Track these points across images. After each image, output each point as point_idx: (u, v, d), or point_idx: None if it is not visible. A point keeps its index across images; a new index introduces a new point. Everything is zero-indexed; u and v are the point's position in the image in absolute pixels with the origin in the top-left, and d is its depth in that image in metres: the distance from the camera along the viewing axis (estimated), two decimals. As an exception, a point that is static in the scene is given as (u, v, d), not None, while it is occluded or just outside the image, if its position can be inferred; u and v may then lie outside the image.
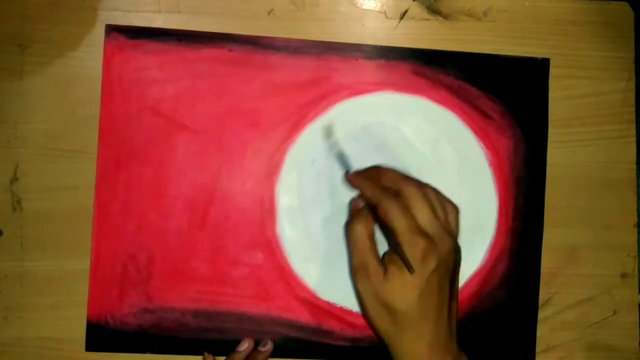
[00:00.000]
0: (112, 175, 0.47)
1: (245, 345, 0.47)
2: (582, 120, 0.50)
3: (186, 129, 0.47)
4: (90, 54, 0.48)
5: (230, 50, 0.48)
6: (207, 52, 0.48)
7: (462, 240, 0.45)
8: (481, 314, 0.49)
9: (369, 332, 0.48)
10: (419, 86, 0.48)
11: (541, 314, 0.49)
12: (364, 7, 0.49)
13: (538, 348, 0.49)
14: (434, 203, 0.43)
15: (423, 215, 0.42)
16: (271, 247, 0.48)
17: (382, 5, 0.49)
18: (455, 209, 0.45)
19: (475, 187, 0.49)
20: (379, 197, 0.43)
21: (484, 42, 0.49)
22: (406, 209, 0.42)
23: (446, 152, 0.49)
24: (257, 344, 0.47)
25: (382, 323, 0.42)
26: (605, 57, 0.50)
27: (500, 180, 0.49)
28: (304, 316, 0.48)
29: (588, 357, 0.50)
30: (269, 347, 0.47)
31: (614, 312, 0.50)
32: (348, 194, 0.48)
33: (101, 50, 0.47)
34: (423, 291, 0.41)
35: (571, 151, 0.49)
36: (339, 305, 0.48)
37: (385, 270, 0.41)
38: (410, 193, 0.43)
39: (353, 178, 0.46)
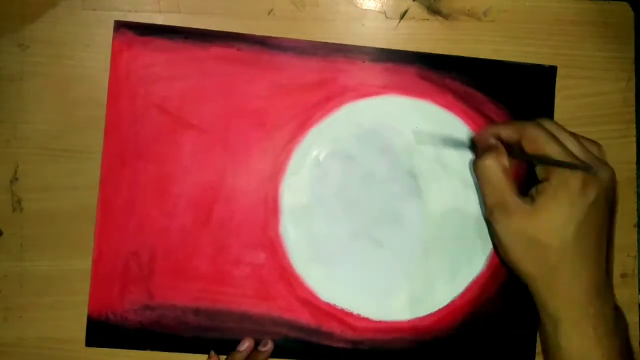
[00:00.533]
0: (116, 172, 0.47)
1: (245, 345, 0.47)
2: (582, 120, 0.50)
3: (192, 127, 0.47)
4: (90, 54, 0.48)
5: (238, 50, 0.48)
6: (215, 50, 0.48)
7: (464, 246, 0.45)
8: (482, 318, 0.49)
9: (370, 335, 0.48)
10: (425, 90, 0.48)
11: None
12: (364, 7, 0.49)
13: (538, 348, 0.49)
14: (575, 135, 0.40)
15: (573, 145, 0.39)
16: (274, 247, 0.48)
17: (382, 5, 0.49)
18: (598, 145, 0.41)
19: (478, 192, 0.48)
20: (521, 128, 0.39)
21: (484, 42, 0.49)
22: (555, 138, 0.38)
23: (451, 156, 0.49)
24: (257, 343, 0.47)
25: (529, 264, 0.38)
26: (605, 57, 0.50)
27: None
28: (304, 317, 0.48)
29: (588, 357, 0.50)
30: (269, 346, 0.47)
31: (614, 312, 0.50)
32: (353, 196, 0.48)
33: (101, 50, 0.47)
34: (581, 225, 0.36)
35: (571, 151, 0.49)
36: (340, 307, 0.48)
37: (533, 204, 0.37)
38: (552, 126, 0.39)
39: (483, 131, 0.42)
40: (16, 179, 0.47)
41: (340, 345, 0.48)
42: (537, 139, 0.39)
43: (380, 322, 0.48)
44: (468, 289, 0.49)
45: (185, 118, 0.47)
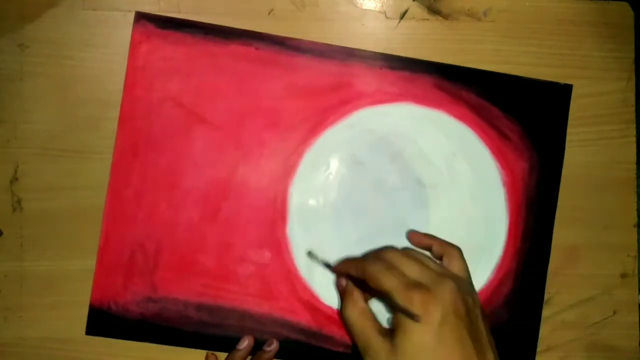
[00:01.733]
0: (128, 162, 0.47)
1: (245, 343, 0.47)
2: (582, 120, 0.50)
3: (205, 122, 0.47)
4: (90, 54, 0.48)
5: (256, 49, 0.48)
6: (234, 48, 0.48)
7: (469, 258, 0.45)
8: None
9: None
10: (440, 100, 0.48)
11: (542, 314, 0.49)
12: (364, 7, 0.49)
13: (538, 348, 0.49)
14: (419, 256, 0.42)
15: (411, 269, 0.40)
16: (279, 247, 0.48)
17: (382, 5, 0.49)
18: (456, 249, 0.43)
19: (487, 205, 0.48)
20: (362, 266, 0.41)
21: (484, 42, 0.49)
22: (393, 268, 0.40)
23: (461, 168, 0.49)
24: (259, 342, 0.47)
25: None
26: (605, 57, 0.50)
27: (513, 200, 0.49)
28: (305, 319, 0.48)
29: (588, 357, 0.50)
30: (274, 346, 0.47)
31: (614, 312, 0.50)
32: (361, 201, 0.48)
33: (101, 50, 0.47)
34: (438, 346, 0.37)
35: (571, 151, 0.49)
36: (341, 312, 0.48)
37: (392, 340, 0.38)
38: (391, 254, 0.41)
39: (338, 267, 0.45)
40: (16, 179, 0.47)
41: (340, 349, 0.48)
42: (376, 276, 0.40)
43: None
44: None
45: (199, 113, 0.47)
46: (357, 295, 0.42)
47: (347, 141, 0.48)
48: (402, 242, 0.48)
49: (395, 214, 0.48)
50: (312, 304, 0.48)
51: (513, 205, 0.49)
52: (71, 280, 0.47)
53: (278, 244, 0.48)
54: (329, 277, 0.48)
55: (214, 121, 0.48)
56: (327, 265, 0.47)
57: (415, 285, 0.38)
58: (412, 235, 0.47)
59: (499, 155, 0.49)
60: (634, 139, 0.50)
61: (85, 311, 0.47)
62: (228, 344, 0.47)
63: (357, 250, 0.48)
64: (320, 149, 0.48)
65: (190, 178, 0.47)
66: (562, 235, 0.49)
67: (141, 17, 0.47)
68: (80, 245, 0.47)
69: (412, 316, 0.37)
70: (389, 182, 0.48)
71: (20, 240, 0.47)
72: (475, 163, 0.49)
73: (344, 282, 0.44)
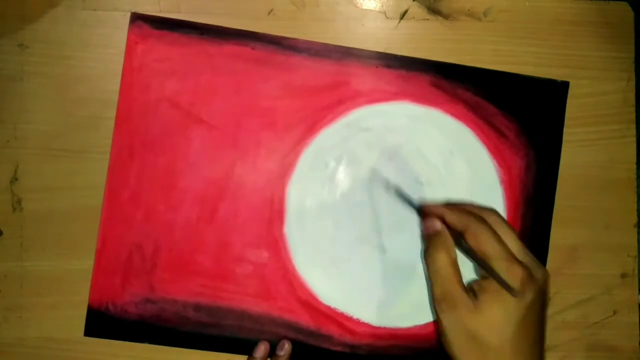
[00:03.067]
0: (125, 163, 0.47)
1: (261, 349, 0.46)
2: (582, 120, 0.50)
3: (202, 123, 0.47)
4: (90, 54, 0.48)
5: (252, 49, 0.48)
6: (230, 48, 0.48)
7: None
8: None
9: (368, 340, 0.48)
10: (437, 99, 0.48)
11: (541, 314, 0.49)
12: (364, 7, 0.49)
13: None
14: (516, 232, 0.42)
15: (513, 243, 0.40)
16: (277, 247, 0.48)
17: (382, 5, 0.49)
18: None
19: (484, 203, 0.48)
20: (466, 221, 0.40)
21: (484, 42, 0.49)
22: (497, 235, 0.40)
23: (459, 166, 0.49)
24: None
25: (467, 358, 0.39)
26: (605, 57, 0.50)
27: (510, 198, 0.49)
28: (304, 319, 0.48)
29: (588, 357, 0.50)
30: (286, 348, 0.47)
31: (614, 312, 0.50)
32: (359, 200, 0.48)
33: (102, 50, 0.47)
34: (520, 325, 0.38)
35: (571, 151, 0.49)
36: (340, 311, 0.48)
37: (476, 301, 0.38)
38: (496, 221, 0.41)
39: (433, 207, 0.44)
40: (16, 179, 0.47)
41: (339, 349, 0.48)
42: (479, 236, 0.40)
43: (379, 328, 0.48)
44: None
45: (196, 113, 0.47)
46: (451, 244, 0.41)
47: (344, 140, 0.48)
48: (400, 241, 0.48)
49: (394, 212, 0.48)
50: (311, 304, 0.48)
51: (510, 203, 0.49)
52: (71, 280, 0.47)
53: (276, 244, 0.48)
54: (329, 277, 0.48)
55: (210, 121, 0.48)
56: (414, 205, 0.46)
57: (519, 262, 0.39)
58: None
59: (496, 153, 0.49)
60: (634, 139, 0.50)
61: (84, 311, 0.47)
62: (226, 344, 0.47)
63: (356, 250, 0.48)
64: (318, 148, 0.48)
65: (187, 178, 0.47)
66: (562, 235, 0.49)
67: (137, 18, 0.47)
68: (80, 245, 0.47)
69: (510, 289, 0.38)
70: (386, 181, 0.48)
71: (20, 240, 0.47)
72: (472, 161, 0.49)
73: (439, 225, 0.42)
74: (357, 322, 0.48)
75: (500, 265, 0.38)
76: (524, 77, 0.49)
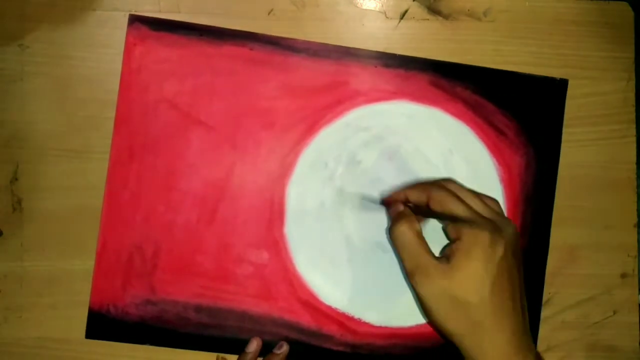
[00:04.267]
0: (124, 165, 0.47)
1: (254, 345, 0.46)
2: (582, 120, 0.50)
3: (201, 124, 0.47)
4: (91, 54, 0.48)
5: (251, 49, 0.48)
6: (228, 49, 0.48)
7: None
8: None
9: (370, 340, 0.48)
10: (436, 98, 0.48)
11: (541, 314, 0.49)
12: (364, 7, 0.49)
13: (538, 348, 0.49)
14: (477, 193, 0.43)
15: (475, 203, 0.41)
16: (277, 247, 0.48)
17: (382, 5, 0.49)
18: (495, 201, 0.44)
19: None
20: (427, 190, 0.42)
21: (484, 42, 0.49)
22: (460, 198, 0.41)
23: (458, 165, 0.49)
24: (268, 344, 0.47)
25: (454, 323, 0.39)
26: (605, 57, 0.50)
27: (510, 197, 0.49)
28: (305, 319, 0.48)
29: (588, 357, 0.50)
30: (284, 349, 0.47)
31: (614, 312, 0.50)
32: (359, 200, 0.48)
33: (102, 50, 0.47)
34: (496, 279, 0.38)
35: (571, 151, 0.49)
36: (341, 311, 0.48)
37: (448, 264, 0.39)
38: (455, 187, 0.42)
39: (393, 194, 0.45)
40: (16, 179, 0.47)
41: (340, 348, 0.48)
42: (443, 199, 0.41)
43: (380, 327, 0.48)
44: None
45: (195, 115, 0.47)
46: (413, 217, 0.42)
47: (344, 140, 0.48)
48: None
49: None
50: (311, 304, 0.48)
51: (510, 202, 0.49)
52: (71, 281, 0.47)
53: (276, 244, 0.48)
54: (329, 277, 0.48)
55: (210, 122, 0.48)
56: (382, 202, 0.47)
57: (485, 218, 0.40)
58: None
59: (495, 151, 0.49)
60: (634, 139, 0.50)
61: (85, 311, 0.47)
62: (228, 345, 0.47)
63: (356, 250, 0.48)
64: (317, 148, 0.48)
65: (187, 179, 0.47)
66: (562, 235, 0.49)
67: (135, 20, 0.47)
68: (80, 245, 0.47)
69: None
70: (386, 180, 0.48)
71: (20, 240, 0.47)
72: (471, 160, 0.49)
73: (400, 206, 0.43)
74: (358, 322, 0.48)
75: (468, 226, 0.39)
76: (523, 75, 0.49)
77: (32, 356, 0.47)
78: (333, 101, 0.48)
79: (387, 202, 0.47)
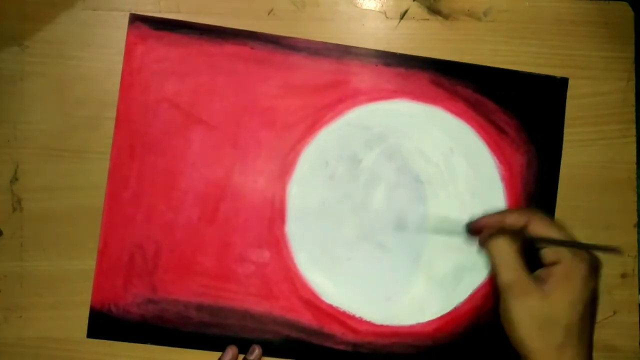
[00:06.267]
0: (125, 164, 0.47)
1: (229, 354, 0.46)
2: (582, 120, 0.50)
3: (202, 123, 0.47)
4: (90, 54, 0.48)
5: (252, 48, 0.48)
6: (229, 48, 0.48)
7: (469, 253, 0.47)
8: (484, 327, 0.49)
9: (371, 338, 0.48)
10: (437, 96, 0.48)
11: (541, 314, 0.49)
12: (364, 7, 0.49)
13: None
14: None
15: (568, 233, 0.42)
16: (279, 246, 0.48)
17: (382, 5, 0.49)
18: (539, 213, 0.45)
19: (485, 200, 0.48)
20: (526, 214, 0.42)
21: (484, 42, 0.49)
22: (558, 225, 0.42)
23: (459, 163, 0.49)
24: (260, 344, 0.47)
25: (538, 341, 0.40)
26: (605, 57, 0.50)
27: (511, 195, 0.49)
28: (306, 318, 0.48)
29: (588, 357, 0.50)
30: (256, 353, 0.47)
31: (614, 312, 0.50)
32: (359, 199, 0.48)
33: (101, 50, 0.47)
34: (587, 306, 0.40)
35: (571, 151, 0.49)
36: (342, 310, 0.48)
37: (544, 286, 0.40)
38: (543, 216, 0.43)
39: (483, 220, 0.45)
40: (16, 179, 0.47)
41: (341, 347, 0.48)
42: (544, 224, 0.42)
43: (382, 326, 0.48)
44: (471, 297, 0.49)
45: (196, 114, 0.48)
46: (512, 235, 0.42)
47: (344, 139, 0.48)
48: (402, 240, 0.48)
49: (394, 210, 0.48)
50: (313, 303, 0.48)
51: (512, 200, 0.49)
52: (71, 280, 0.47)
53: (277, 243, 0.48)
54: (330, 276, 0.48)
55: (210, 121, 0.48)
56: (469, 229, 0.47)
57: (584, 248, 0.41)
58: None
59: (496, 149, 0.49)
60: (634, 139, 0.50)
61: (85, 311, 0.47)
62: (229, 344, 0.47)
63: (357, 248, 0.48)
64: (318, 147, 0.48)
65: (188, 179, 0.47)
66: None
67: (135, 19, 0.47)
68: (80, 245, 0.47)
69: (613, 250, 0.40)
70: (387, 179, 0.48)
71: (20, 240, 0.47)
72: (472, 158, 0.49)
73: (494, 223, 0.44)
74: (360, 321, 0.48)
75: (567, 253, 0.40)
76: (524, 73, 0.49)
77: (32, 356, 0.47)
78: (334, 100, 0.48)
79: (475, 228, 0.46)
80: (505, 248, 0.42)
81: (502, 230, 0.43)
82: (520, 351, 0.41)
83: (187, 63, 0.47)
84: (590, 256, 0.41)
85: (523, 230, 0.43)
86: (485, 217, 0.46)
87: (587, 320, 0.40)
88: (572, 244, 0.41)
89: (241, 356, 0.47)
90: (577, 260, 0.40)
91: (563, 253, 0.41)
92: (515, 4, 0.49)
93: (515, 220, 0.43)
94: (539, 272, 0.42)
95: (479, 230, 0.45)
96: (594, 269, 0.41)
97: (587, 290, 0.40)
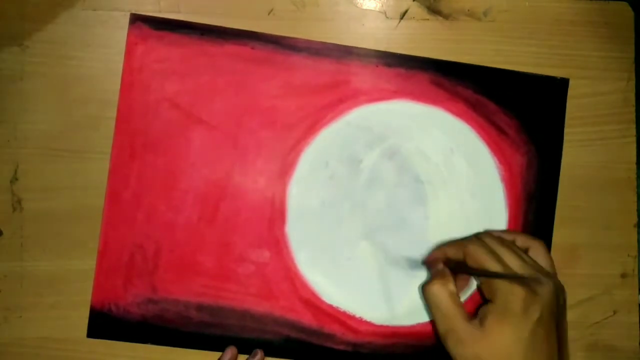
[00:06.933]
0: (126, 164, 0.47)
1: (228, 354, 0.46)
2: (582, 120, 0.50)
3: (202, 123, 0.47)
4: (90, 54, 0.48)
5: (252, 48, 0.48)
6: (230, 48, 0.48)
7: None
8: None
9: (371, 339, 0.48)
10: (437, 97, 0.48)
11: (541, 314, 0.49)
12: (364, 7, 0.49)
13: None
14: (515, 248, 0.42)
15: (511, 260, 0.40)
16: (279, 246, 0.48)
17: (382, 5, 0.49)
18: (540, 243, 0.43)
19: (485, 201, 0.48)
20: (463, 246, 0.41)
21: (484, 42, 0.49)
22: (495, 254, 0.40)
23: (459, 164, 0.49)
24: (256, 343, 0.47)
25: None
26: (605, 57, 0.50)
27: (512, 195, 0.49)
28: (306, 318, 0.48)
29: (588, 357, 0.50)
30: (258, 357, 0.47)
31: (614, 312, 0.50)
32: (360, 199, 0.48)
33: (101, 50, 0.47)
34: (529, 343, 0.38)
35: (571, 151, 0.49)
36: (342, 310, 0.48)
37: (482, 327, 0.39)
38: (490, 240, 0.41)
39: (433, 253, 0.45)
40: (16, 179, 0.47)
41: (341, 347, 0.48)
42: (478, 256, 0.40)
43: (382, 326, 0.48)
44: (471, 297, 0.49)
45: (196, 114, 0.47)
46: (448, 277, 0.41)
47: (345, 139, 0.48)
48: (402, 240, 0.48)
49: (394, 211, 0.48)
50: (313, 303, 0.48)
51: (512, 200, 0.49)
52: (71, 280, 0.47)
53: (277, 243, 0.48)
54: (330, 276, 0.48)
55: (211, 121, 0.48)
56: (424, 262, 0.47)
57: (519, 279, 0.39)
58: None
59: (496, 150, 0.49)
60: (634, 139, 0.50)
61: (85, 311, 0.47)
62: (229, 344, 0.47)
63: (357, 248, 0.48)
64: (318, 147, 0.48)
65: (188, 179, 0.47)
66: (562, 235, 0.49)
67: (136, 19, 0.47)
68: (80, 245, 0.47)
69: (523, 280, 0.38)
70: (387, 180, 0.48)
71: (20, 240, 0.47)
72: (473, 159, 0.49)
73: (440, 265, 0.43)
74: (360, 321, 0.48)
75: (501, 286, 0.39)
76: (524, 74, 0.49)
77: (32, 356, 0.47)
78: (334, 100, 0.48)
79: (428, 262, 0.46)
80: (438, 295, 0.41)
81: (439, 272, 0.42)
82: None
83: (188, 63, 0.47)
84: (524, 288, 0.38)
85: (462, 265, 0.42)
86: (434, 250, 0.46)
87: (538, 355, 0.38)
88: (500, 275, 0.40)
89: (241, 357, 0.47)
90: (507, 295, 0.39)
91: (496, 288, 0.39)
92: (515, 4, 0.49)
93: (454, 252, 0.43)
94: (480, 310, 0.41)
95: (430, 264, 0.45)
96: (535, 300, 0.38)
97: (529, 322, 0.38)
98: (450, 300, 0.40)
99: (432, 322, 0.42)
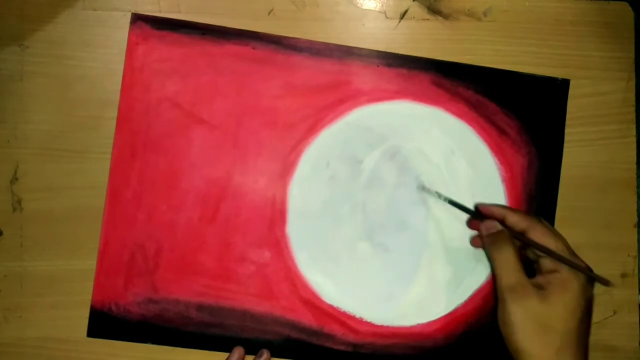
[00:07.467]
0: (126, 163, 0.47)
1: (236, 355, 0.46)
2: (582, 120, 0.50)
3: (203, 123, 0.47)
4: (90, 54, 0.48)
5: (253, 48, 0.48)
6: (231, 48, 0.48)
7: (469, 255, 0.48)
8: (484, 328, 0.49)
9: (371, 339, 0.48)
10: (438, 97, 0.49)
11: (542, 314, 0.49)
12: (364, 7, 0.49)
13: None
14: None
15: (565, 244, 0.43)
16: (279, 246, 0.48)
17: (382, 5, 0.49)
18: (541, 222, 0.45)
19: (486, 201, 0.48)
20: (528, 220, 0.43)
21: (484, 42, 0.49)
22: (559, 237, 0.43)
23: (460, 164, 0.49)
24: (260, 344, 0.47)
25: (535, 345, 0.41)
26: (605, 57, 0.50)
27: (512, 196, 0.49)
28: (306, 318, 0.48)
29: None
30: (264, 357, 0.47)
31: (614, 312, 0.50)
32: (360, 200, 0.48)
33: (101, 50, 0.47)
34: (584, 314, 0.41)
35: (571, 151, 0.49)
36: (342, 310, 0.48)
37: (544, 292, 0.41)
38: (548, 225, 0.44)
39: (492, 208, 0.46)
40: (16, 179, 0.47)
41: (341, 347, 0.48)
42: (545, 233, 0.43)
43: (382, 326, 0.48)
44: (471, 298, 0.49)
45: (197, 113, 0.48)
46: (512, 240, 0.43)
47: (346, 139, 0.48)
48: (402, 240, 0.48)
49: (395, 211, 0.48)
50: (313, 303, 0.48)
51: (513, 201, 0.49)
52: (71, 280, 0.47)
53: (278, 243, 0.48)
54: (331, 276, 0.48)
55: (212, 121, 0.48)
56: (476, 210, 0.47)
57: (580, 258, 0.43)
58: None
59: (497, 151, 0.49)
60: (634, 139, 0.50)
61: (85, 311, 0.47)
62: (229, 344, 0.47)
63: (358, 249, 0.48)
64: (319, 147, 0.48)
65: (189, 178, 0.47)
66: (562, 235, 0.49)
67: (137, 19, 0.47)
68: (80, 245, 0.47)
69: (604, 282, 0.42)
70: (388, 180, 0.48)
71: (20, 240, 0.47)
72: (473, 159, 0.49)
73: (499, 225, 0.45)
74: (360, 321, 0.48)
75: (566, 260, 0.42)
76: (525, 75, 0.49)
77: (32, 356, 0.47)
78: (335, 100, 0.48)
79: (482, 212, 0.47)
80: (507, 252, 0.43)
81: (502, 231, 0.44)
82: (516, 357, 0.42)
83: (189, 63, 0.47)
84: (586, 267, 0.42)
85: (522, 235, 0.44)
86: (494, 206, 0.46)
87: (584, 329, 0.41)
88: (568, 262, 0.42)
89: (247, 357, 0.47)
90: (575, 271, 0.42)
91: (563, 264, 0.42)
92: (515, 4, 0.49)
93: (516, 222, 0.44)
94: (537, 278, 0.43)
95: (485, 216, 0.46)
96: (591, 279, 0.42)
97: (584, 300, 0.41)
98: (518, 260, 0.43)
99: (492, 275, 0.44)
